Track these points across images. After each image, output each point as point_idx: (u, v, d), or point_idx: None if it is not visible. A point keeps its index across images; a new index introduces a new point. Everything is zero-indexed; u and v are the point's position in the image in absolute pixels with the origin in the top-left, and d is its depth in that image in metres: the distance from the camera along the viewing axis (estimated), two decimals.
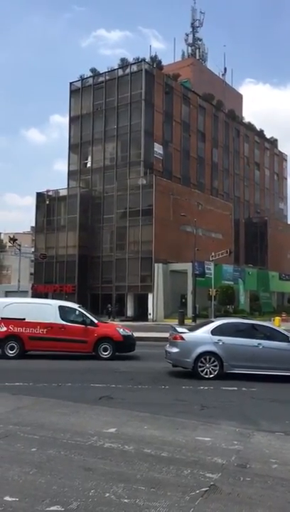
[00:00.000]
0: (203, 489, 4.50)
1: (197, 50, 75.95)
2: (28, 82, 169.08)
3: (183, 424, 7.03)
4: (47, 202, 57.05)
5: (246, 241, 71.52)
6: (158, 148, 55.94)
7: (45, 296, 48.52)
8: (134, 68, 55.74)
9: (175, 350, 11.89)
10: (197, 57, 74.97)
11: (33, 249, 62.69)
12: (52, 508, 4.00)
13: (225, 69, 76.29)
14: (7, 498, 4.18)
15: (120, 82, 56.13)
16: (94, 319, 15.99)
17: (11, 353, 15.13)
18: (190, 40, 76.11)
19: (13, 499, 4.17)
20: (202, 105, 64.67)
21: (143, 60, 55.92)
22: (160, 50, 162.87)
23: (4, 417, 7.15)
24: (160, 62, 59.25)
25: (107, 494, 4.33)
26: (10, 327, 15.29)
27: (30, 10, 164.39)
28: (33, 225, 66.19)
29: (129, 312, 49.99)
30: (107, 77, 57.66)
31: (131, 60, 56.80)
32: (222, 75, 75.65)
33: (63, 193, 57.68)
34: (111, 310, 46.20)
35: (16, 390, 9.61)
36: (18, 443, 5.86)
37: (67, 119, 62.76)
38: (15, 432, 6.33)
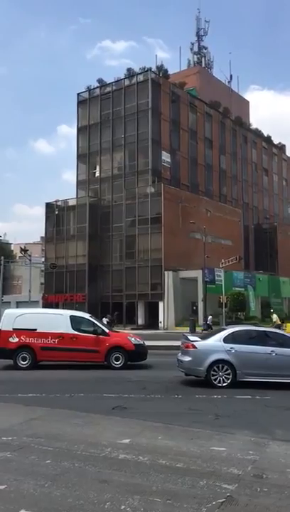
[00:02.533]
0: (220, 500, 4.45)
1: (203, 58, 76.32)
2: (35, 94, 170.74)
3: (197, 434, 6.97)
4: (57, 212, 57.37)
5: (256, 247, 71.23)
6: (165, 157, 56.09)
7: (56, 306, 48.68)
8: (140, 78, 56.09)
9: (187, 358, 11.83)
10: (203, 65, 75.30)
11: (43, 259, 62.94)
12: None
13: (231, 76, 76.52)
14: (23, 511, 4.16)
15: (127, 92, 56.50)
16: (105, 328, 16.00)
17: (23, 363, 15.14)
18: (196, 49, 76.58)
19: None
20: (208, 112, 64.83)
21: (150, 69, 56.28)
22: (166, 60, 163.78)
23: (18, 429, 7.14)
24: (166, 71, 59.58)
25: (123, 507, 4.30)
26: (22, 338, 15.32)
27: (35, 23, 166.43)
28: (43, 235, 66.48)
29: (140, 320, 49.91)
30: (114, 87, 58.08)
31: (137, 69, 57.24)
32: (228, 82, 75.89)
33: (72, 202, 57.99)
34: (113, 319, 45.73)
35: (29, 401, 9.62)
36: (33, 455, 5.85)
37: (74, 130, 63.27)
38: (29, 444, 6.32)
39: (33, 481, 4.92)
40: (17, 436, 6.70)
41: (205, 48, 77.08)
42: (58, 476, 5.12)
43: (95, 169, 59.43)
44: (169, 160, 56.64)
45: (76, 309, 24.63)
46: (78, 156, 60.95)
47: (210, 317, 39.13)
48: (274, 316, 35.61)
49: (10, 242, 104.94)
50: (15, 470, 5.29)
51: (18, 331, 15.40)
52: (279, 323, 34.44)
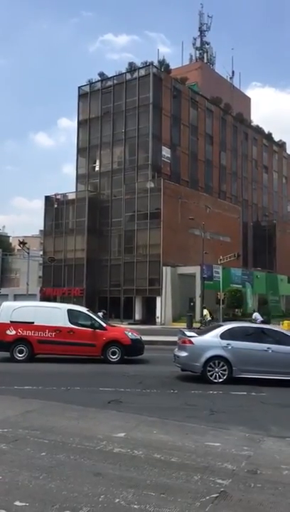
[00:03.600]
0: (213, 495, 4.47)
1: (205, 54, 75.97)
2: (36, 87, 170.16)
3: (192, 429, 7.00)
4: (56, 205, 57.25)
5: (254, 244, 71.25)
6: (166, 152, 55.97)
7: (54, 300, 48.66)
8: (142, 72, 55.87)
9: (184, 354, 11.86)
10: (205, 61, 75.00)
11: (41, 253, 62.90)
12: None
13: (233, 72, 76.30)
14: (17, 503, 4.18)
15: (128, 86, 56.28)
16: (102, 323, 16.01)
17: (19, 356, 15.16)
18: (198, 44, 76.21)
19: (23, 504, 4.17)
20: (210, 108, 64.65)
21: (151, 63, 56.06)
22: (168, 54, 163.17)
23: (13, 421, 7.16)
24: (168, 66, 59.34)
25: (117, 500, 4.31)
26: (19, 330, 15.33)
27: (37, 16, 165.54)
28: (42, 228, 66.41)
29: (137, 315, 49.97)
30: (115, 81, 57.86)
31: (138, 64, 57.01)
32: (230, 78, 75.66)
33: (71, 196, 57.87)
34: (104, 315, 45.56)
35: (25, 393, 9.63)
36: (28, 447, 5.87)
37: (75, 123, 63.06)
38: (24, 436, 6.34)
39: (28, 473, 4.94)
40: (12, 428, 6.71)
41: (208, 44, 76.78)
42: (53, 468, 5.14)
43: (95, 163, 59.28)
44: (169, 155, 56.52)
45: (74, 303, 24.67)
46: (78, 150, 60.79)
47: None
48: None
49: (8, 234, 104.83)
50: (11, 462, 5.30)
51: (15, 324, 15.41)
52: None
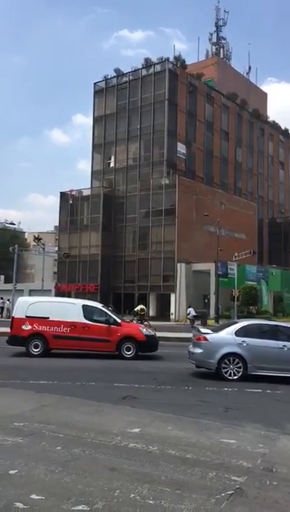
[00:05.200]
0: (229, 492, 4.46)
1: (222, 49, 75.41)
2: (51, 84, 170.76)
3: (207, 426, 6.99)
4: (71, 202, 57.47)
5: (269, 241, 70.73)
6: (181, 148, 55.77)
7: (68, 295, 48.94)
8: (158, 68, 55.68)
9: (198, 351, 11.84)
10: (222, 56, 74.46)
11: (56, 249, 63.22)
12: (77, 508, 4.01)
13: (249, 67, 75.62)
14: (33, 496, 4.21)
15: (144, 82, 56.16)
16: (117, 319, 16.04)
17: (35, 351, 15.28)
18: (214, 39, 75.65)
19: (40, 497, 4.21)
20: (226, 104, 64.22)
21: (167, 59, 55.83)
22: (184, 50, 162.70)
23: (29, 415, 7.22)
24: (183, 61, 59.06)
25: (132, 495, 4.33)
26: (34, 325, 15.43)
27: (53, 13, 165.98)
28: (57, 224, 66.74)
29: (151, 312, 49.95)
30: (131, 77, 57.76)
31: (154, 60, 56.80)
32: (247, 73, 75.04)
33: (86, 192, 58.04)
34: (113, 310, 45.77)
35: (41, 388, 9.71)
36: (44, 441, 5.92)
37: (90, 119, 63.22)
38: (40, 430, 6.39)
39: (44, 467, 4.98)
40: (29, 422, 6.77)
41: (224, 39, 76.21)
42: (69, 462, 5.18)
43: (110, 159, 59.33)
44: (184, 151, 56.31)
45: (88, 299, 24.78)
46: (93, 146, 60.87)
47: (191, 309, 39.18)
48: (139, 307, 35.27)
49: (24, 230, 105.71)
50: (27, 455, 5.35)
51: (30, 319, 15.52)
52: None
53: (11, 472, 4.81)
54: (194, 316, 37.03)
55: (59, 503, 4.09)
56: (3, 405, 8.05)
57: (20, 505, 4.02)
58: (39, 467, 4.97)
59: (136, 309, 33.95)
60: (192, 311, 37.42)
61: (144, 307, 36.29)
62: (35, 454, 5.41)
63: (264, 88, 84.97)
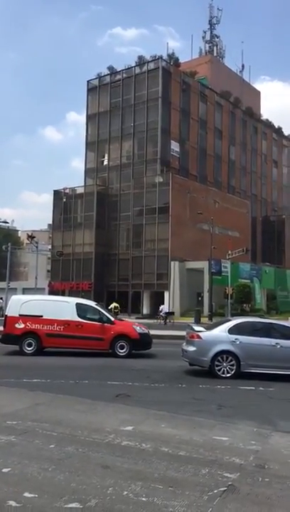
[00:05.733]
0: (221, 489, 4.49)
1: (215, 47, 75.45)
2: (44, 81, 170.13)
3: (200, 423, 7.01)
4: (64, 200, 57.37)
5: (263, 239, 70.96)
6: (174, 146, 55.78)
7: (62, 294, 48.86)
8: (151, 66, 55.63)
9: (192, 348, 11.87)
10: (215, 54, 74.48)
11: (50, 247, 63.10)
12: (70, 505, 4.03)
13: (243, 66, 75.65)
14: (26, 494, 4.22)
15: (137, 80, 56.10)
16: (110, 317, 16.05)
17: (28, 349, 15.24)
18: (208, 37, 75.68)
19: (33, 495, 4.21)
20: (219, 102, 64.27)
21: (161, 57, 55.79)
22: (177, 48, 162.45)
23: (23, 414, 7.22)
24: (177, 59, 59.01)
25: (125, 492, 4.34)
26: (27, 324, 15.39)
27: (47, 9, 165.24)
28: (50, 222, 66.59)
29: (145, 310, 50.03)
30: (124, 75, 57.66)
31: (148, 57, 56.72)
32: (240, 71, 75.07)
33: (80, 190, 57.95)
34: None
35: (34, 386, 9.69)
36: (37, 439, 5.92)
37: (83, 117, 63.09)
38: (33, 429, 6.39)
39: (37, 465, 4.98)
40: (22, 420, 6.77)
41: (217, 37, 76.26)
42: (62, 460, 5.18)
43: (104, 157, 59.24)
44: (178, 150, 56.32)
45: (82, 297, 24.79)
46: (87, 144, 60.75)
47: (163, 306, 39.56)
48: (113, 305, 36.12)
49: (17, 228, 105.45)
50: (20, 454, 5.35)
51: (24, 317, 15.47)
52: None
53: (3, 470, 4.82)
54: (166, 313, 38.02)
55: (52, 501, 4.09)
56: None
57: (13, 503, 4.03)
58: (32, 465, 4.98)
59: (110, 307, 34.12)
60: (164, 308, 38.46)
61: (118, 305, 36.42)
62: (28, 453, 5.41)
63: (257, 86, 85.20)
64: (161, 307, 39.28)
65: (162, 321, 35.96)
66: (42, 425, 6.55)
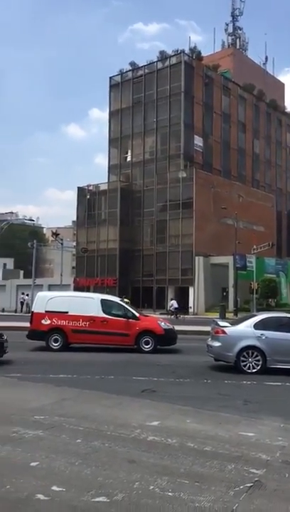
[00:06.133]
0: (248, 485, 4.47)
1: (238, 40, 74.53)
2: (66, 79, 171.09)
3: (225, 419, 6.99)
4: (88, 196, 57.67)
5: (288, 233, 69.96)
6: (198, 141, 55.43)
7: (87, 290, 49.21)
8: (173, 60, 55.31)
9: (217, 344, 11.83)
10: (238, 47, 73.60)
11: (74, 244, 63.63)
12: (97, 499, 4.07)
13: (266, 58, 74.64)
14: (54, 488, 4.28)
15: (159, 75, 55.86)
16: (135, 313, 16.10)
17: (54, 345, 15.44)
18: (230, 30, 74.82)
19: (60, 489, 4.27)
20: (242, 96, 63.51)
21: (183, 51, 55.39)
22: (199, 42, 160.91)
23: (49, 408, 7.32)
24: (199, 53, 58.49)
25: (151, 487, 4.36)
26: (53, 320, 15.59)
27: (67, 6, 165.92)
28: (74, 219, 67.10)
29: (183, 306, 49.86)
30: (146, 71, 57.49)
31: (170, 52, 56.36)
32: (263, 64, 74.05)
33: (104, 187, 58.14)
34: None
35: (60, 381, 9.82)
36: (64, 434, 6.00)
37: (106, 114, 63.20)
38: (60, 423, 6.47)
39: (64, 459, 5.05)
40: (49, 415, 6.86)
41: (240, 29, 75.32)
42: (88, 455, 5.24)
43: (127, 154, 59.30)
44: (201, 144, 55.94)
45: (107, 293, 24.98)
46: (110, 141, 60.89)
47: (173, 301, 39.35)
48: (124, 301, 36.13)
49: (42, 226, 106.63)
50: (47, 448, 5.43)
51: (50, 314, 15.67)
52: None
53: (32, 464, 4.90)
54: (176, 308, 38.21)
55: (79, 495, 4.15)
56: (24, 399, 8.17)
57: (41, 496, 4.10)
58: (59, 459, 5.05)
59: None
60: (174, 304, 38.45)
61: (128, 300, 36.57)
62: (56, 447, 5.49)
63: (281, 78, 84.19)
64: (171, 302, 39.32)
65: (172, 316, 35.98)
66: (68, 420, 6.63)
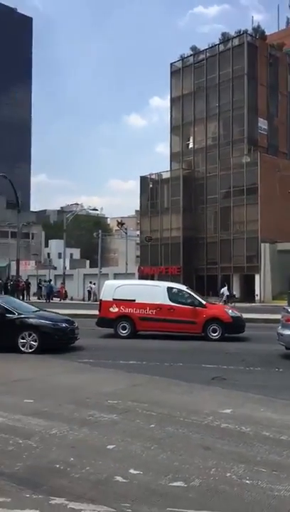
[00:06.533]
0: None
1: None
2: (127, 69, 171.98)
3: None
4: (151, 185, 57.85)
5: None
6: (262, 124, 53.80)
7: (151, 278, 49.57)
8: (236, 42, 53.82)
9: (288, 332, 11.51)
10: None
11: (138, 233, 64.21)
12: (175, 484, 4.10)
13: None
14: (132, 471, 4.37)
15: (221, 58, 54.60)
16: (202, 300, 16.02)
17: (123, 332, 15.72)
18: None
19: (137, 472, 4.35)
20: None
21: (245, 32, 53.77)
22: (262, 21, 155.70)
23: (122, 393, 7.47)
24: (263, 32, 56.54)
25: (228, 474, 4.34)
26: (121, 308, 15.85)
27: None
28: (137, 208, 67.62)
29: (235, 293, 49.28)
30: (208, 54, 56.37)
31: (232, 34, 54.90)
32: None
33: (166, 175, 58.02)
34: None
35: (130, 368, 10.01)
36: (138, 419, 6.10)
37: (167, 102, 62.78)
38: (133, 408, 6.59)
39: (139, 443, 5.14)
40: (122, 400, 7.01)
41: None
42: (163, 440, 5.30)
43: (189, 141, 58.73)
44: (266, 127, 54.25)
45: (171, 282, 25.17)
46: (171, 128, 60.50)
47: (224, 289, 38.20)
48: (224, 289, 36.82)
49: (106, 216, 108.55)
50: (123, 432, 5.55)
51: (117, 302, 15.95)
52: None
53: (109, 447, 5.03)
54: (227, 295, 37.79)
55: (157, 479, 4.20)
56: (97, 383, 8.41)
57: (119, 478, 4.20)
58: (135, 443, 5.14)
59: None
60: (225, 291, 37.98)
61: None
62: (130, 431, 5.59)
63: None
64: (222, 290, 38.65)
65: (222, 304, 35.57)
66: (141, 405, 6.73)
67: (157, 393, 7.65)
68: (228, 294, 38.31)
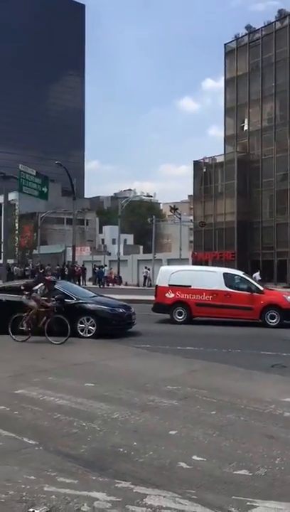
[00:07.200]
0: None
1: None
2: (179, 51, 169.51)
3: None
4: (204, 169, 57.08)
5: None
6: None
7: (205, 264, 49.15)
8: None
9: None
10: None
11: (191, 218, 63.76)
12: (240, 472, 4.05)
13: None
14: (195, 457, 4.35)
15: (278, 36, 52.56)
16: (259, 286, 15.74)
17: (179, 318, 15.71)
18: None
19: (201, 459, 4.34)
20: None
21: None
22: None
23: (181, 379, 7.48)
24: None
25: None
26: (177, 293, 15.83)
27: None
28: (190, 193, 67.03)
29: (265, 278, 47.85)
30: (263, 33, 54.45)
31: (289, 10, 52.68)
32: None
33: (220, 159, 56.99)
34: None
35: (187, 353, 9.99)
36: (198, 405, 6.07)
37: (220, 83, 61.51)
38: (193, 394, 6.57)
39: (201, 430, 5.11)
40: (181, 386, 7.01)
41: None
42: (224, 427, 5.25)
43: (243, 123, 57.30)
44: None
45: (226, 267, 24.84)
46: (226, 110, 59.20)
47: (256, 274, 36.78)
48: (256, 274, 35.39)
49: (159, 201, 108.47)
50: (183, 418, 5.54)
51: (173, 287, 15.93)
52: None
53: (171, 433, 5.04)
54: (259, 280, 35.80)
55: (220, 466, 4.17)
56: (156, 369, 8.45)
57: (183, 464, 4.19)
58: (196, 430, 5.12)
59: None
60: (257, 276, 36.66)
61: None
62: (191, 417, 5.58)
63: None
64: (255, 275, 37.46)
65: None
66: (201, 391, 6.70)
67: (216, 379, 7.60)
68: (260, 278, 37.40)
